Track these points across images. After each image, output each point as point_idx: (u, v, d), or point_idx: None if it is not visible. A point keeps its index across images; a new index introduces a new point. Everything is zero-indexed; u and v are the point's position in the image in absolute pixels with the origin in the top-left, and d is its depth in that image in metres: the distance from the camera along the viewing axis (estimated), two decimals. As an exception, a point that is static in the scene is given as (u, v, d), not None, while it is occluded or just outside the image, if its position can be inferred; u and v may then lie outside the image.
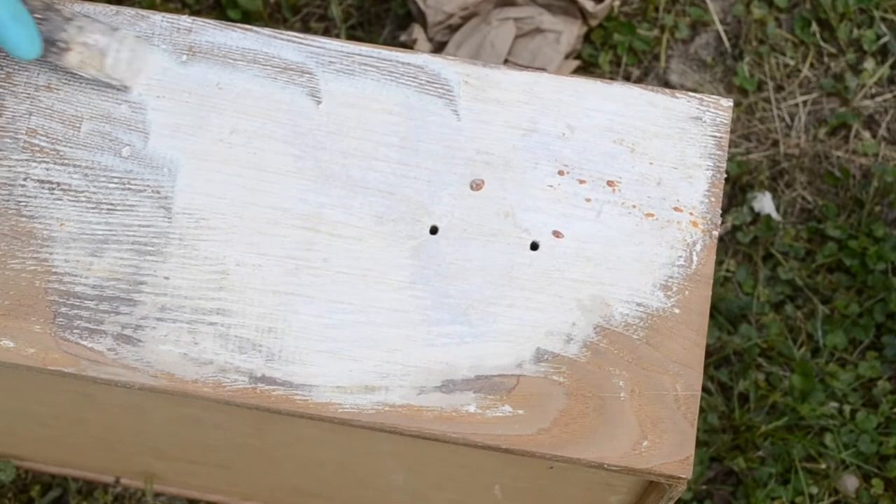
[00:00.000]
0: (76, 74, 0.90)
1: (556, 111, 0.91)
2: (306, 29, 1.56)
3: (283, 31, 0.92)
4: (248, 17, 1.55)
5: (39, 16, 0.88)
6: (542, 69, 1.43)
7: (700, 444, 1.39)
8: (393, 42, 1.53)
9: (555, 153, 0.90)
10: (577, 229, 0.89)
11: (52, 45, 0.88)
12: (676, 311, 0.87)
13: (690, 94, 0.92)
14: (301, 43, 0.92)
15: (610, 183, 0.89)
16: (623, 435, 0.85)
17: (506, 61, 1.44)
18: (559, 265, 0.88)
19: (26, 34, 0.86)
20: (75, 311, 0.87)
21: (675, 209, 0.89)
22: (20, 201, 0.89)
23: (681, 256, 0.88)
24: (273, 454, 1.08)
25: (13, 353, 0.86)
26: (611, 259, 0.88)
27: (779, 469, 1.38)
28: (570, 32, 1.48)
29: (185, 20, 0.92)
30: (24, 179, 0.89)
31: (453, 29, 1.48)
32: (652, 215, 0.89)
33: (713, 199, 0.89)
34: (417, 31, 1.48)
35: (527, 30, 1.46)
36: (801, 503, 1.37)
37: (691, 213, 0.89)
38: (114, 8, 0.93)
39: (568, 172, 0.90)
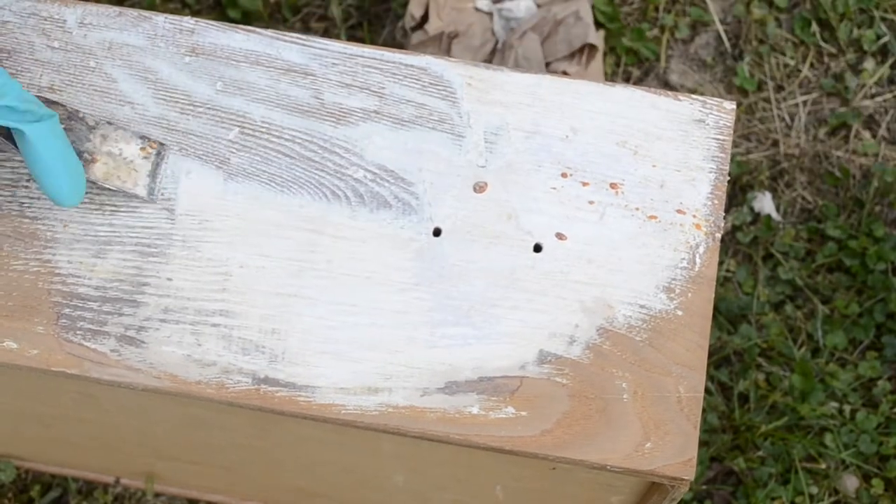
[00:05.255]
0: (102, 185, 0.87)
1: (559, 113, 0.91)
2: (306, 29, 1.56)
3: (286, 33, 0.92)
4: (248, 17, 1.55)
5: (64, 126, 0.84)
6: (581, 49, 1.42)
7: (700, 444, 1.39)
8: (392, 43, 1.53)
9: (557, 155, 0.90)
10: (580, 231, 0.89)
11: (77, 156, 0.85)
12: (679, 313, 0.87)
13: (693, 96, 0.92)
14: (304, 45, 0.92)
15: (613, 185, 0.90)
16: (626, 436, 0.85)
17: (548, 64, 1.43)
18: (562, 267, 0.88)
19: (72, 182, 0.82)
20: (78, 313, 0.87)
21: (678, 211, 0.89)
22: (23, 202, 0.89)
23: (684, 259, 0.88)
24: (275, 455, 1.09)
25: (16, 355, 0.86)
26: (613, 261, 0.88)
27: (779, 469, 1.38)
28: (583, 5, 1.46)
29: (188, 21, 0.92)
30: (28, 180, 0.89)
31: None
32: (655, 217, 0.89)
33: (716, 202, 0.89)
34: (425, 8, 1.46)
35: (547, 30, 1.45)
36: (801, 503, 1.37)
37: (694, 216, 0.89)
38: (116, 9, 0.92)
39: (571, 175, 0.90)
